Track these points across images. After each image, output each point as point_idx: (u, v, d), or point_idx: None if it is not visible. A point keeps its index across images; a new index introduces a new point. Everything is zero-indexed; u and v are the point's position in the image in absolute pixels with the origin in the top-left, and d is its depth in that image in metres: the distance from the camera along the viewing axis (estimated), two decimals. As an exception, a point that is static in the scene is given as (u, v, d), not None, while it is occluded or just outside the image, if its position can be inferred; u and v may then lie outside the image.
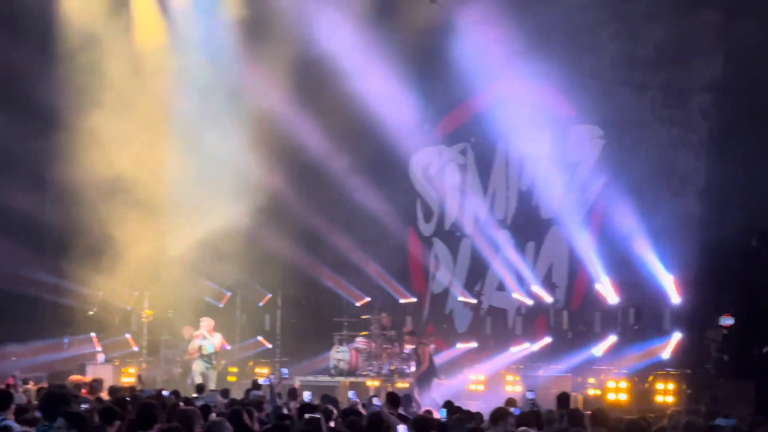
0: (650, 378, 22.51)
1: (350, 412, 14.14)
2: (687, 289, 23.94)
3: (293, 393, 18.67)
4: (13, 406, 13.00)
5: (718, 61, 24.69)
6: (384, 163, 30.44)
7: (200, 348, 26.04)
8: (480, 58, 27.26)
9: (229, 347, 29.04)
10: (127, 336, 29.74)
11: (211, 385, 24.73)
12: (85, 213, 28.86)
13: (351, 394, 17.53)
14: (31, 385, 20.29)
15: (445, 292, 29.76)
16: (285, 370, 20.61)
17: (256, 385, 19.63)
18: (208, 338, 26.00)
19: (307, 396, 17.78)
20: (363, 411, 14.86)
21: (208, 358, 25.93)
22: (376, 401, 16.05)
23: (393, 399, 16.13)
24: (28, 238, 29.05)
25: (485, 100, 28.40)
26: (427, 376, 24.46)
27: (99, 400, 15.76)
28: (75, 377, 22.54)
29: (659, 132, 25.60)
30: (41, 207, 29.50)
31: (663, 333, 24.14)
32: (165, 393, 17.39)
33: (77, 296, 30.07)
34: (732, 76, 24.12)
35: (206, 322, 26.34)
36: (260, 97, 28.89)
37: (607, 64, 26.61)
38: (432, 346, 25.36)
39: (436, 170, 30.23)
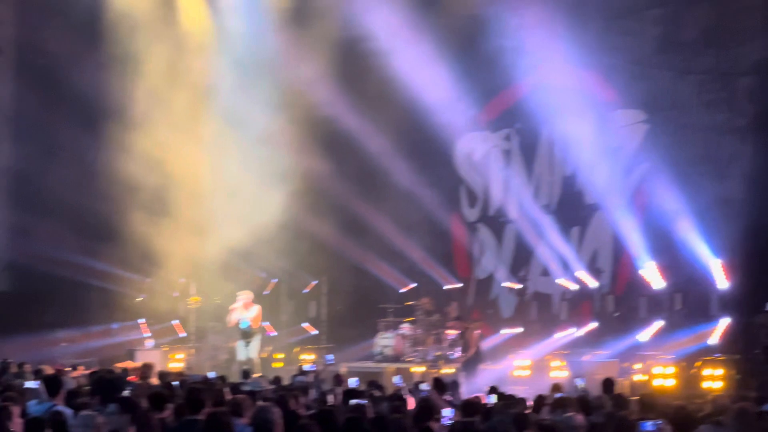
0: (698, 363, 22.36)
1: (395, 398, 14.22)
2: (734, 273, 23.74)
3: (338, 379, 18.73)
4: (63, 392, 13.19)
5: (764, 43, 24.47)
6: (428, 149, 30.49)
7: (237, 322, 25.94)
8: (523, 43, 27.20)
9: (275, 333, 29.25)
10: (175, 322, 29.98)
11: (252, 355, 24.83)
12: (133, 199, 29.13)
13: (397, 379, 17.55)
14: (80, 370, 20.49)
15: (490, 278, 29.75)
16: (330, 357, 20.68)
17: (301, 372, 19.74)
18: (243, 312, 25.77)
19: (353, 382, 17.84)
20: (409, 396, 14.92)
21: (243, 334, 25.76)
22: (423, 386, 16.08)
23: (440, 384, 16.17)
24: (77, 224, 29.38)
25: (529, 86, 28.32)
26: (473, 361, 24.48)
27: (149, 385, 15.92)
28: (124, 363, 22.78)
29: (703, 116, 25.39)
30: (90, 193, 29.78)
31: (710, 318, 23.98)
32: (211, 377, 17.54)
33: (126, 283, 30.36)
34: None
35: (243, 295, 26.06)
36: (304, 81, 28.98)
37: (651, 48, 26.45)
38: (478, 332, 25.35)
39: (480, 156, 30.19)
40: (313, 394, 15.95)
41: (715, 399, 14.57)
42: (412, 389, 16.97)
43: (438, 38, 27.43)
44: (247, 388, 15.57)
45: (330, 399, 14.72)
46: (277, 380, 18.70)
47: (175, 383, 15.88)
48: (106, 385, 12.65)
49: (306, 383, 17.10)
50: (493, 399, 14.70)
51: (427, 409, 11.79)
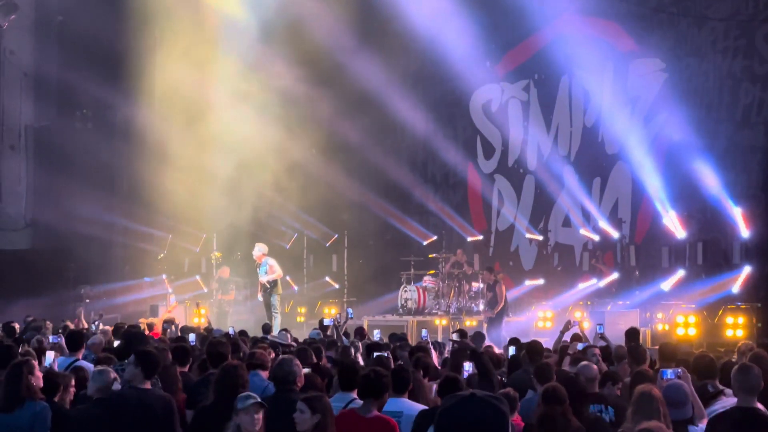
0: (720, 312, 22.35)
1: (418, 349, 14.26)
2: (756, 221, 23.67)
3: (361, 332, 18.79)
4: (84, 347, 13.32)
5: (787, -9, 24.28)
6: (446, 101, 30.46)
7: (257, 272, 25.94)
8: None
9: (296, 288, 29.35)
10: (197, 278, 30.13)
11: (275, 315, 24.92)
12: (155, 156, 29.25)
13: (424, 332, 17.60)
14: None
15: (510, 229, 29.73)
16: (351, 310, 20.68)
17: (321, 326, 19.81)
18: (258, 264, 25.64)
19: (375, 334, 17.89)
20: (432, 349, 14.96)
21: (263, 287, 25.71)
22: (454, 336, 16.12)
23: (463, 336, 16.21)
24: (99, 181, 29.51)
25: (547, 37, 28.19)
26: (500, 313, 24.54)
27: (173, 339, 16.03)
28: (147, 319, 22.92)
29: (722, 64, 25.21)
30: (112, 150, 29.91)
31: (732, 267, 23.94)
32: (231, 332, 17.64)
33: (148, 239, 30.52)
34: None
35: (257, 248, 25.83)
36: (324, 36, 28.91)
37: (670, -4, 26.31)
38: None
39: (497, 107, 30.09)
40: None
41: (741, 347, 14.49)
42: (434, 343, 17.00)
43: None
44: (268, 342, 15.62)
45: (352, 352, 14.76)
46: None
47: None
48: (129, 339, 12.73)
49: (329, 337, 17.12)
50: (512, 351, 14.73)
51: (459, 360, 11.93)
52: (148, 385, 9.44)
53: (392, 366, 11.43)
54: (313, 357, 12.99)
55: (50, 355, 12.31)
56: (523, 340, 15.76)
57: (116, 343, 14.48)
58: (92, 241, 29.65)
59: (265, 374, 10.85)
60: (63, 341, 13.62)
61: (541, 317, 25.48)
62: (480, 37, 28.27)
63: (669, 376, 9.77)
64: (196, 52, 29.43)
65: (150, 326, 19.68)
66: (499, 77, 29.93)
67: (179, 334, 17.86)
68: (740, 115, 24.69)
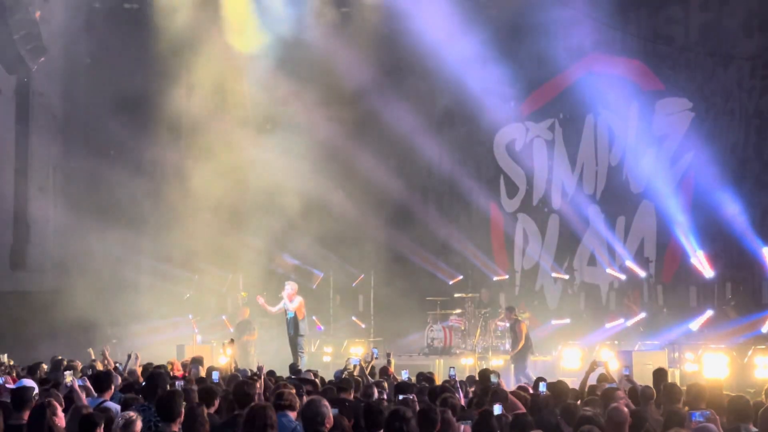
0: (749, 352, 22.14)
1: (444, 389, 14.20)
2: (785, 261, 23.58)
3: (385, 371, 18.74)
4: (113, 388, 13.28)
5: (811, 28, 24.27)
6: (470, 140, 30.52)
7: (283, 311, 25.88)
8: (568, 33, 27.14)
9: (322, 328, 29.33)
10: (224, 317, 30.14)
11: (301, 355, 24.86)
12: (181, 197, 29.40)
13: (451, 371, 17.58)
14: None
15: (535, 268, 29.66)
16: (376, 350, 20.66)
17: (346, 365, 19.71)
18: (287, 304, 25.31)
19: (404, 374, 17.86)
20: (459, 388, 14.90)
21: (290, 324, 25.55)
22: (492, 378, 16.06)
23: (485, 376, 16.17)
24: (127, 221, 29.64)
25: (572, 76, 28.25)
26: (523, 352, 24.41)
27: (199, 380, 16.00)
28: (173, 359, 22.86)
29: (747, 103, 25.18)
30: (140, 191, 30.05)
31: (762, 307, 23.79)
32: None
33: (174, 279, 30.58)
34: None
35: (289, 286, 25.49)
36: (351, 76, 29.05)
37: (695, 35, 26.27)
38: (526, 323, 25.25)
39: (521, 146, 30.10)
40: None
41: (768, 389, 14.35)
42: (460, 382, 16.95)
43: (484, 29, 27.41)
44: (294, 383, 15.58)
45: (375, 392, 14.73)
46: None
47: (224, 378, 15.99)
48: (154, 380, 12.71)
49: (351, 377, 17.06)
50: (543, 389, 14.67)
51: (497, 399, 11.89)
52: (174, 428, 9.42)
53: (418, 406, 11.40)
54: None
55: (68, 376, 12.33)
56: (549, 380, 15.70)
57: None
58: (120, 281, 29.74)
59: (293, 415, 10.81)
60: (87, 382, 13.52)
61: (567, 357, 25.34)
62: (505, 76, 28.39)
63: (698, 419, 9.72)
64: (221, 91, 29.62)
65: (183, 366, 19.61)
66: (523, 116, 29.95)
67: (203, 374, 17.79)
68: (767, 154, 24.61)
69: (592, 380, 16.05)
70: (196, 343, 28.05)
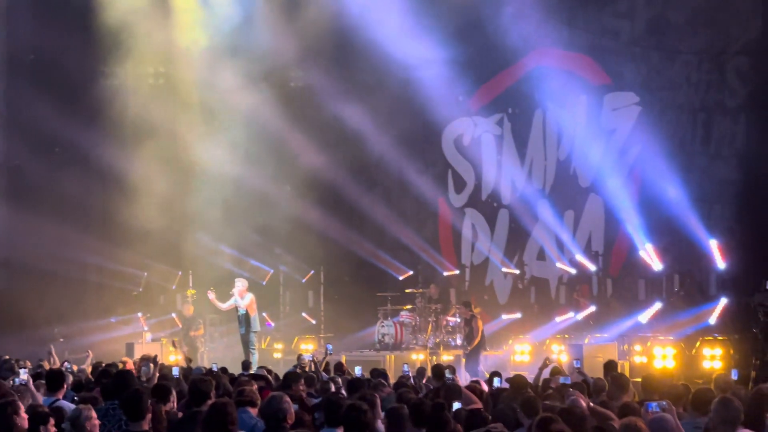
0: (697, 344, 22.40)
1: (400, 385, 14.23)
2: (731, 253, 23.80)
3: (340, 368, 18.76)
4: (65, 387, 13.16)
5: (755, 23, 24.47)
6: (418, 135, 30.51)
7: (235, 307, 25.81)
8: (516, 28, 27.23)
9: (273, 324, 29.25)
10: (173, 315, 29.99)
11: (252, 352, 24.80)
12: (128, 195, 29.19)
13: (405, 367, 17.63)
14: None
15: (485, 263, 29.72)
16: (330, 346, 20.67)
17: (299, 361, 19.68)
18: (238, 301, 25.31)
19: (357, 371, 17.87)
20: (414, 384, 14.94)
21: (241, 321, 25.44)
22: (447, 374, 16.09)
23: (439, 371, 16.22)
24: (73, 219, 29.37)
25: (521, 71, 28.35)
26: (478, 348, 24.49)
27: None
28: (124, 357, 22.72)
29: (695, 97, 25.43)
30: (86, 189, 29.79)
31: (709, 298, 24.05)
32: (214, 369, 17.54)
33: (122, 277, 30.37)
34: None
35: (239, 283, 25.57)
36: (296, 70, 28.98)
37: (643, 30, 26.46)
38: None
39: (469, 141, 30.14)
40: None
41: (718, 378, 14.55)
42: (415, 377, 17.01)
43: (433, 24, 27.42)
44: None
45: (332, 387, 14.74)
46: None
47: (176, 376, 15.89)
48: (110, 378, 12.62)
49: (313, 374, 17.03)
50: (497, 383, 14.74)
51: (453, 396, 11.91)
52: (144, 426, 9.36)
53: (376, 401, 11.43)
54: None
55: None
56: (501, 374, 15.78)
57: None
58: (66, 279, 29.47)
59: (254, 411, 10.79)
60: (30, 383, 13.24)
61: (518, 351, 25.47)
62: (453, 71, 28.35)
63: (654, 409, 9.80)
64: (166, 86, 29.45)
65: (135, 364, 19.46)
66: (472, 111, 29.98)
67: (157, 373, 17.65)
68: (714, 148, 24.86)
69: (545, 374, 16.16)
70: (145, 341, 27.90)
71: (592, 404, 11.75)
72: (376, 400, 11.32)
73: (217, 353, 27.93)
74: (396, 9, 27.14)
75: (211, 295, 25.89)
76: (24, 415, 9.54)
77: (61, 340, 28.20)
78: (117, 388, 11.80)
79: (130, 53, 29.30)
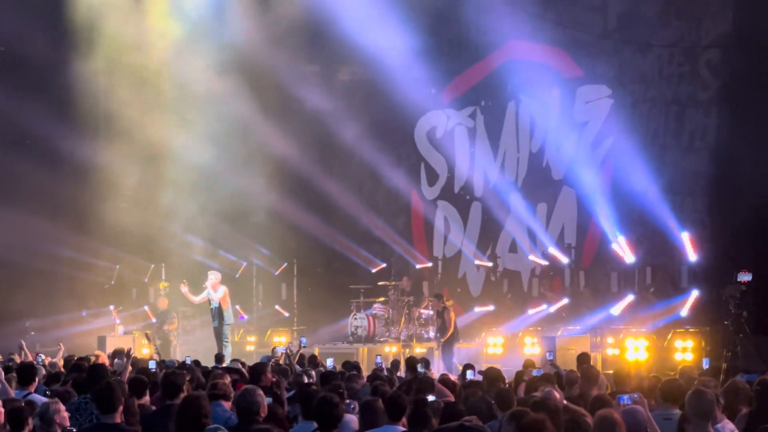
0: (669, 336, 22.51)
1: (374, 377, 14.25)
2: (703, 245, 23.91)
3: (314, 360, 18.78)
4: (36, 381, 13.11)
5: (727, 16, 24.55)
6: (391, 128, 30.52)
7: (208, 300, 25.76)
8: (490, 21, 27.25)
9: (246, 317, 29.21)
10: (146, 308, 29.91)
11: (225, 344, 24.78)
12: (100, 186, 29.09)
13: (378, 359, 17.69)
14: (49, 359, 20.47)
15: (458, 256, 29.76)
16: (304, 339, 20.71)
17: (273, 353, 19.67)
18: (211, 293, 25.27)
19: (329, 363, 17.90)
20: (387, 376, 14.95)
21: (215, 314, 25.42)
22: (419, 368, 16.11)
23: (412, 363, 16.26)
24: (44, 212, 29.23)
25: (494, 64, 28.40)
26: (451, 340, 24.51)
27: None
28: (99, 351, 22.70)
29: (667, 90, 25.52)
30: (57, 181, 29.65)
31: (681, 291, 24.16)
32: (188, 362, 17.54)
33: (94, 270, 30.26)
34: (741, 32, 23.95)
35: (212, 275, 25.49)
36: (269, 62, 28.90)
37: (615, 23, 26.54)
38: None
39: (442, 134, 30.17)
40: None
41: (683, 370, 14.67)
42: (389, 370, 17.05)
43: (405, 15, 27.39)
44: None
45: (305, 380, 14.74)
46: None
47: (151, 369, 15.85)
48: (82, 372, 12.60)
49: (286, 366, 17.04)
50: (470, 376, 14.80)
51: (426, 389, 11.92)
52: (116, 419, 9.35)
53: (345, 394, 11.45)
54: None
55: None
56: (474, 367, 15.85)
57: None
58: (38, 272, 29.34)
59: (228, 405, 10.78)
60: (1, 376, 13.12)
61: (491, 343, 25.51)
62: (426, 63, 28.34)
63: (626, 401, 9.83)
64: (141, 81, 29.33)
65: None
66: (444, 104, 30.00)
67: (130, 366, 17.60)
68: (686, 141, 24.96)
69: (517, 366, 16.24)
70: (117, 334, 27.82)
71: (565, 401, 11.79)
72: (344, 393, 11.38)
73: (191, 346, 27.89)
74: (368, 0, 27.09)
75: (184, 289, 25.85)
76: (1, 410, 9.51)
77: (33, 333, 28.12)
78: (90, 381, 11.77)
79: (100, 44, 29.17)
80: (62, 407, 9.73)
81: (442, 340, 24.54)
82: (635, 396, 10.09)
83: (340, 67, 30.06)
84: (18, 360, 19.16)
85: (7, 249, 28.94)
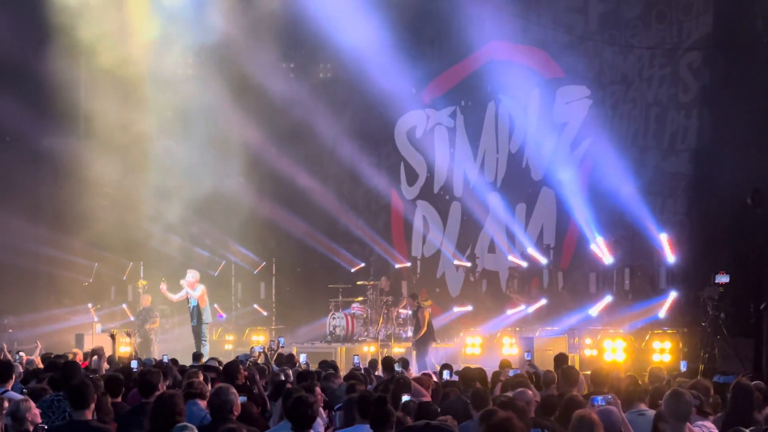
0: (647, 337, 22.53)
1: (351, 377, 14.23)
2: (681, 247, 23.93)
3: (291, 359, 18.74)
4: (13, 378, 13.05)
5: (709, 19, 24.60)
6: (371, 127, 30.52)
7: (186, 298, 25.73)
8: (470, 21, 27.27)
9: (224, 316, 29.16)
10: (124, 306, 29.85)
11: (203, 343, 24.75)
12: (79, 185, 29.01)
13: (356, 359, 17.68)
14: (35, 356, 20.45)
15: (437, 256, 29.76)
16: (282, 339, 20.70)
17: (251, 352, 19.64)
18: (189, 292, 25.33)
19: (302, 359, 17.91)
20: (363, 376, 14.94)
21: (193, 313, 25.45)
22: (396, 367, 16.10)
23: (388, 364, 16.25)
24: (24, 210, 29.15)
25: (474, 64, 28.41)
26: (425, 339, 24.46)
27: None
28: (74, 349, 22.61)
29: (647, 91, 25.55)
30: (36, 179, 29.58)
31: (659, 292, 24.18)
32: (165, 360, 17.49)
33: (73, 267, 30.18)
34: (723, 34, 24.01)
35: (190, 274, 25.56)
36: (249, 60, 28.86)
37: (596, 24, 26.56)
38: (429, 310, 25.24)
39: (422, 133, 30.16)
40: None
41: (652, 371, 14.69)
42: (366, 369, 17.03)
43: (385, 15, 27.37)
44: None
45: (282, 379, 14.72)
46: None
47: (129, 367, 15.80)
48: (66, 371, 12.53)
49: (264, 365, 17.01)
50: (446, 376, 14.79)
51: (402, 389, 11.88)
52: (88, 415, 9.33)
53: (319, 392, 11.44)
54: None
55: None
56: (452, 367, 15.84)
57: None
58: (16, 269, 29.26)
59: (203, 403, 10.74)
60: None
61: (469, 344, 25.51)
62: (406, 63, 28.33)
63: (599, 402, 9.84)
64: (121, 78, 29.27)
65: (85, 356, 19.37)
66: (425, 103, 30.00)
67: (106, 365, 17.55)
68: (666, 142, 24.98)
69: (495, 367, 16.22)
70: (95, 332, 27.73)
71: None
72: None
73: (169, 345, 27.80)
74: (349, 2, 27.07)
75: (163, 287, 25.81)
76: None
77: (11, 330, 28.06)
78: (63, 379, 11.74)
79: (81, 42, 29.09)
80: (33, 405, 9.71)
81: (415, 339, 24.53)
82: (609, 397, 10.11)
83: (320, 65, 30.03)
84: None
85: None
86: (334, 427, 10.77)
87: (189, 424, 8.23)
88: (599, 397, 9.99)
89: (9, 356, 20.43)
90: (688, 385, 11.87)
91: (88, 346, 22.71)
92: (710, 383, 12.47)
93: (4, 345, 22.07)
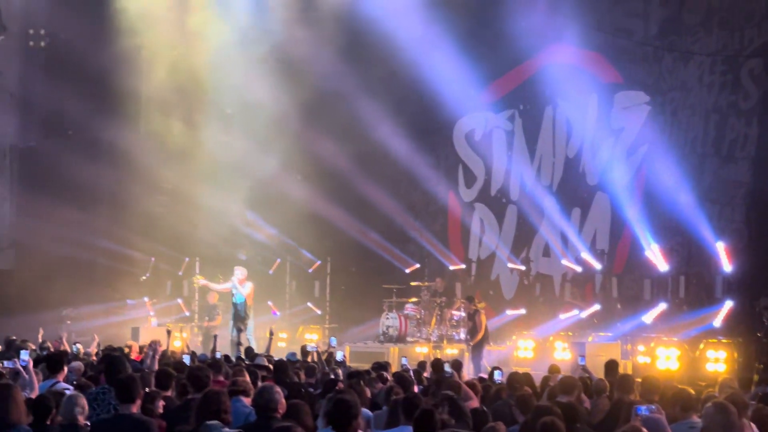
0: (701, 346, 22.33)
1: (397, 378, 14.26)
2: (738, 256, 23.70)
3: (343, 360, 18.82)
4: (65, 370, 13.19)
5: (770, 26, 24.41)
6: (429, 129, 30.53)
7: (230, 291, 25.86)
8: (530, 24, 27.21)
9: (278, 313, 29.30)
10: (179, 301, 30.08)
11: (249, 336, 24.86)
12: (139, 179, 29.30)
13: (403, 360, 17.71)
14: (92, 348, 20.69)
15: (491, 258, 29.73)
16: (334, 339, 20.79)
17: (304, 352, 19.76)
18: (237, 288, 25.51)
19: (339, 355, 18.01)
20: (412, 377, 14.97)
21: (238, 308, 25.57)
22: (446, 368, 16.12)
23: (438, 365, 16.28)
24: (83, 203, 29.50)
25: (533, 68, 28.35)
26: (480, 343, 24.45)
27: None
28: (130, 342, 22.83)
29: (707, 98, 25.34)
30: (96, 173, 29.89)
31: (714, 301, 23.97)
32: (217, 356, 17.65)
33: (131, 261, 30.47)
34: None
35: (239, 271, 25.75)
36: (310, 61, 29.02)
37: (656, 30, 26.41)
38: (483, 312, 25.20)
39: (481, 136, 30.17)
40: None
41: (723, 382, 14.50)
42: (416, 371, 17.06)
43: (445, 18, 27.41)
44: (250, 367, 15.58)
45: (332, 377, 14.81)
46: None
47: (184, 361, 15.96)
48: (113, 364, 12.66)
49: (314, 363, 17.09)
50: (498, 377, 14.81)
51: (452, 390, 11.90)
52: (134, 409, 9.45)
53: (368, 394, 11.47)
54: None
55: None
56: (504, 370, 15.82)
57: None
58: (75, 262, 29.60)
59: (247, 401, 10.83)
60: (30, 364, 13.18)
61: (522, 347, 25.48)
62: (466, 66, 28.33)
63: (643, 413, 9.77)
64: (179, 73, 29.51)
65: (141, 349, 19.55)
66: (483, 107, 29.98)
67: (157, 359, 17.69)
68: (726, 150, 24.74)
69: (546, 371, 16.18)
70: (151, 326, 27.98)
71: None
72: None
73: (224, 341, 27.95)
74: (410, 3, 27.14)
75: (202, 281, 26.04)
76: (21, 398, 9.59)
77: (69, 322, 28.38)
78: (109, 372, 11.89)
79: (145, 39, 29.40)
80: (83, 398, 9.82)
81: (472, 343, 24.47)
82: (653, 407, 10.04)
83: (381, 69, 30.08)
84: (52, 349, 19.34)
85: (46, 238, 29.26)
86: (371, 429, 10.82)
87: (218, 423, 8.32)
88: (643, 407, 9.93)
89: (66, 346, 20.71)
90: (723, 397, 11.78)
91: (144, 340, 22.89)
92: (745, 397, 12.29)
93: (64, 334, 22.36)
